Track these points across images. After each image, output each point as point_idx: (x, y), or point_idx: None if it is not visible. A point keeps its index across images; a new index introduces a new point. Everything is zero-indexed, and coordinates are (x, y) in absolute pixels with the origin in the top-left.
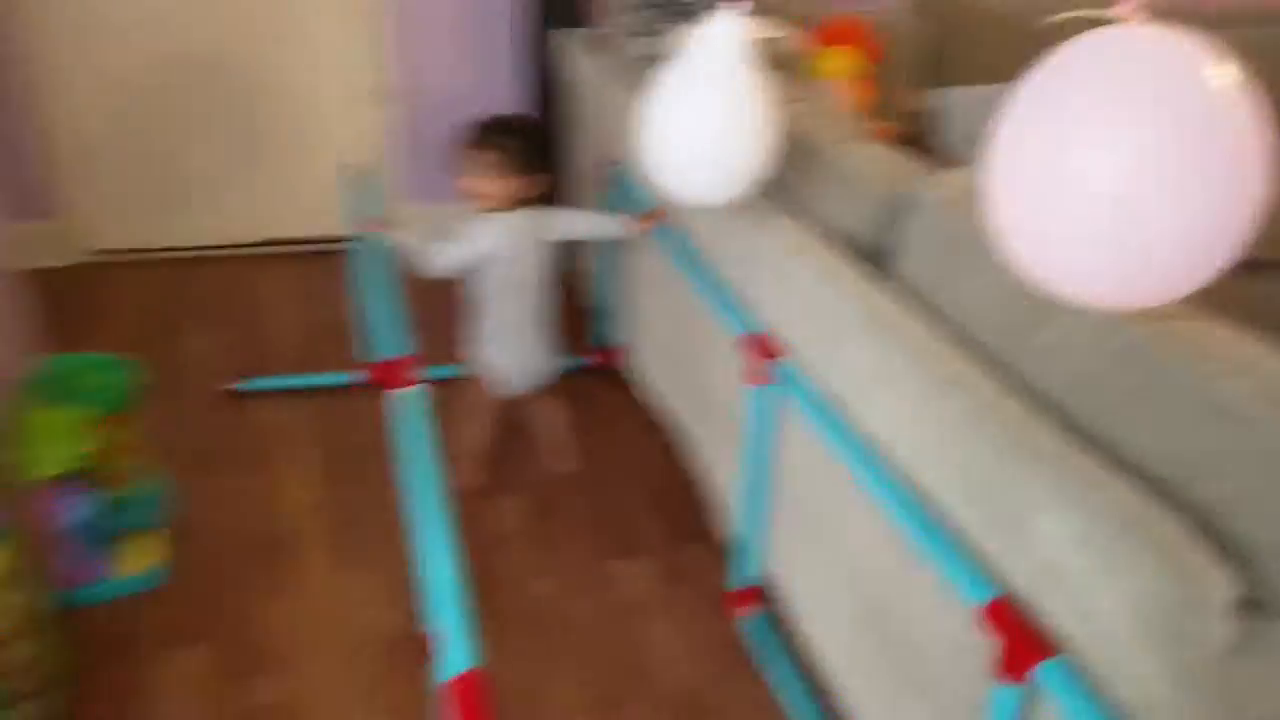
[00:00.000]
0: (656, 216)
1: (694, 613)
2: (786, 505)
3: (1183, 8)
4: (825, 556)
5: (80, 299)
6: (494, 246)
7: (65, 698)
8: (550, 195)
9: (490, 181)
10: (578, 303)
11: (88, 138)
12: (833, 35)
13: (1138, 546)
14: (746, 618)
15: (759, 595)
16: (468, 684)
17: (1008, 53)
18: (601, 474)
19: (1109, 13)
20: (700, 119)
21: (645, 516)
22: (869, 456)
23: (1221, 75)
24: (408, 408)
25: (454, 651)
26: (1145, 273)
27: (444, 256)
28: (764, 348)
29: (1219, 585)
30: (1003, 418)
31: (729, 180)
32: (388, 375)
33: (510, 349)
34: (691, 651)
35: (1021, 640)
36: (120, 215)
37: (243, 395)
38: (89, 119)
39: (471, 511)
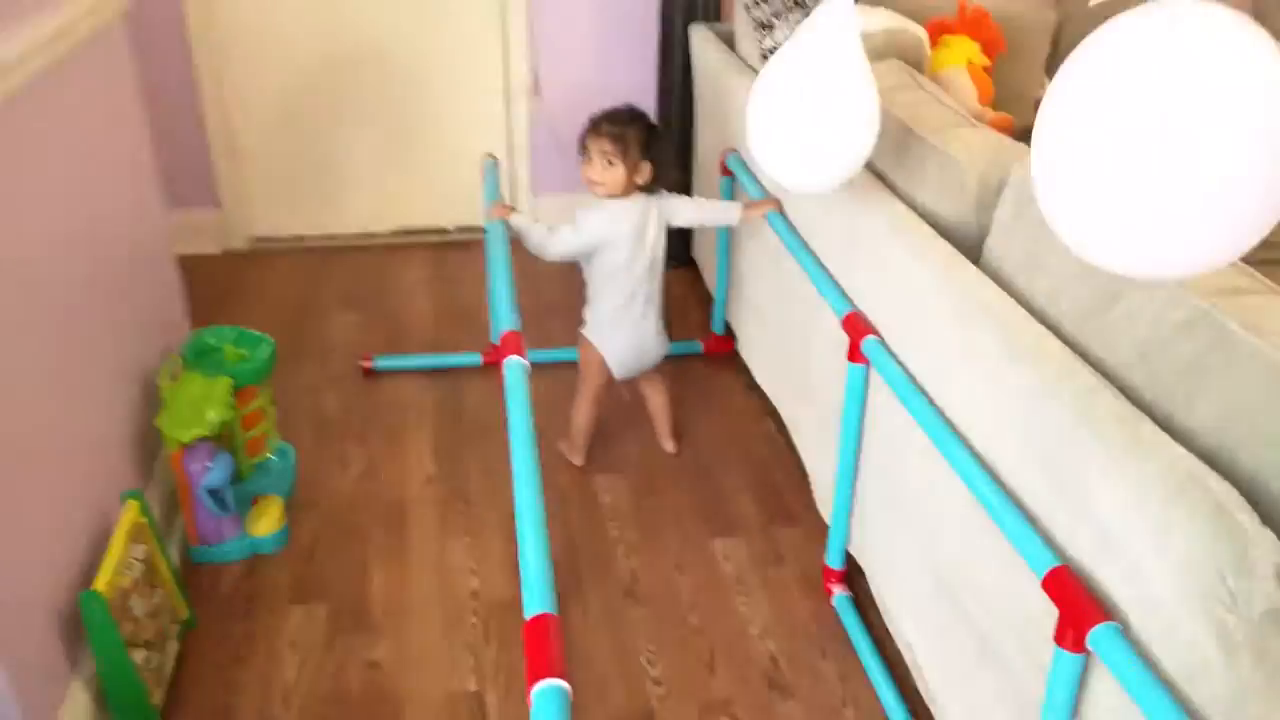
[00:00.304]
0: (768, 203)
1: (788, 591)
2: (875, 482)
3: None
4: (907, 530)
5: (238, 280)
6: (607, 232)
7: (185, 646)
8: (677, 182)
9: (601, 170)
10: (700, 289)
11: (251, 134)
12: (952, 25)
13: (1187, 508)
14: (836, 596)
15: (848, 574)
16: (541, 624)
17: None
18: (707, 454)
19: None
20: (802, 107)
21: (747, 497)
22: (947, 429)
23: (1257, 46)
24: (508, 379)
25: (531, 596)
26: (1176, 242)
27: (559, 242)
28: (859, 325)
29: (1267, 547)
30: (1070, 388)
31: (830, 168)
32: (496, 350)
33: (624, 331)
34: (783, 627)
35: (1078, 607)
36: (278, 206)
37: (375, 372)
38: (253, 117)
39: (579, 486)
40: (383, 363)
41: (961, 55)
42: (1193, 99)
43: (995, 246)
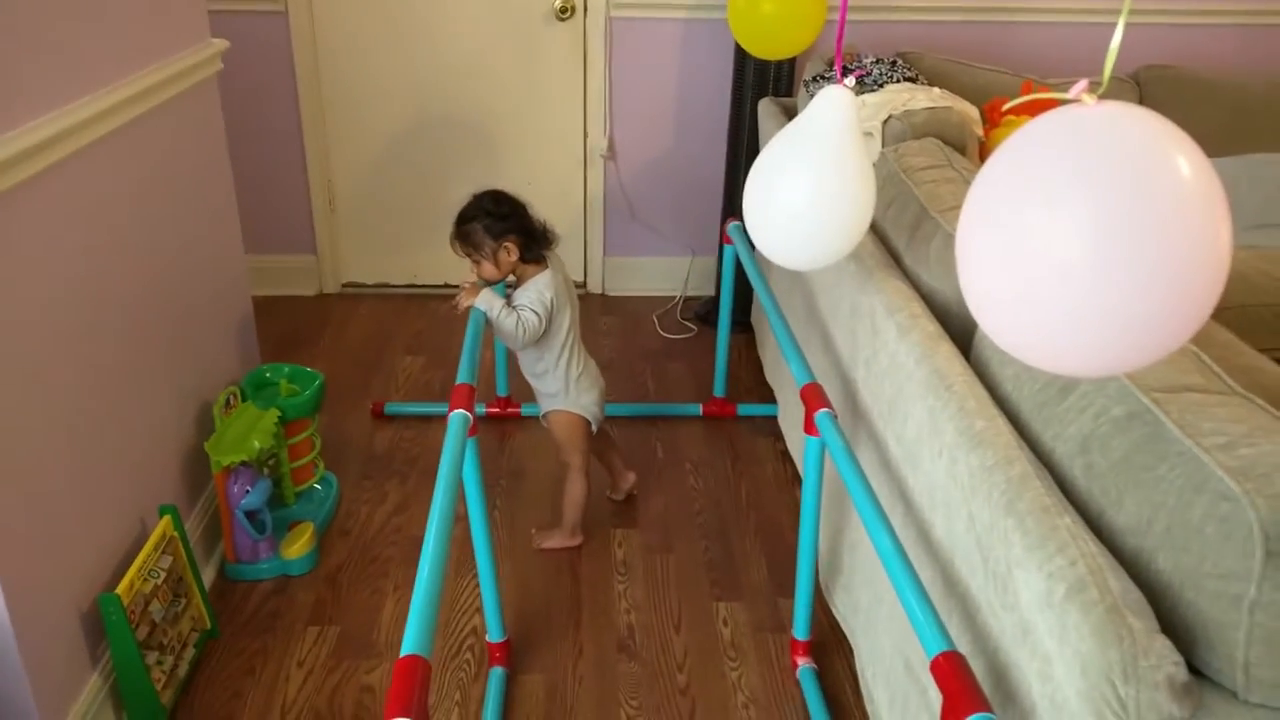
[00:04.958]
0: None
1: (781, 660)
2: (860, 558)
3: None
4: (882, 607)
5: (324, 320)
6: (554, 292)
7: (204, 654)
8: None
9: (482, 266)
10: (753, 354)
11: (347, 189)
12: (1013, 107)
13: (1082, 608)
14: (801, 668)
15: (811, 646)
16: (410, 664)
17: (1217, 126)
18: (728, 517)
19: (1068, 95)
20: (790, 187)
21: (759, 563)
22: (874, 508)
23: (1172, 152)
24: (449, 429)
25: (410, 636)
26: (1086, 346)
27: (527, 322)
28: (815, 398)
29: (1160, 655)
30: (1004, 475)
31: (814, 247)
32: (499, 403)
33: (595, 388)
34: (768, 696)
35: (961, 694)
36: (367, 255)
37: (388, 415)
38: (349, 174)
39: (594, 538)
40: (393, 408)
41: None
42: (1103, 204)
43: (979, 333)
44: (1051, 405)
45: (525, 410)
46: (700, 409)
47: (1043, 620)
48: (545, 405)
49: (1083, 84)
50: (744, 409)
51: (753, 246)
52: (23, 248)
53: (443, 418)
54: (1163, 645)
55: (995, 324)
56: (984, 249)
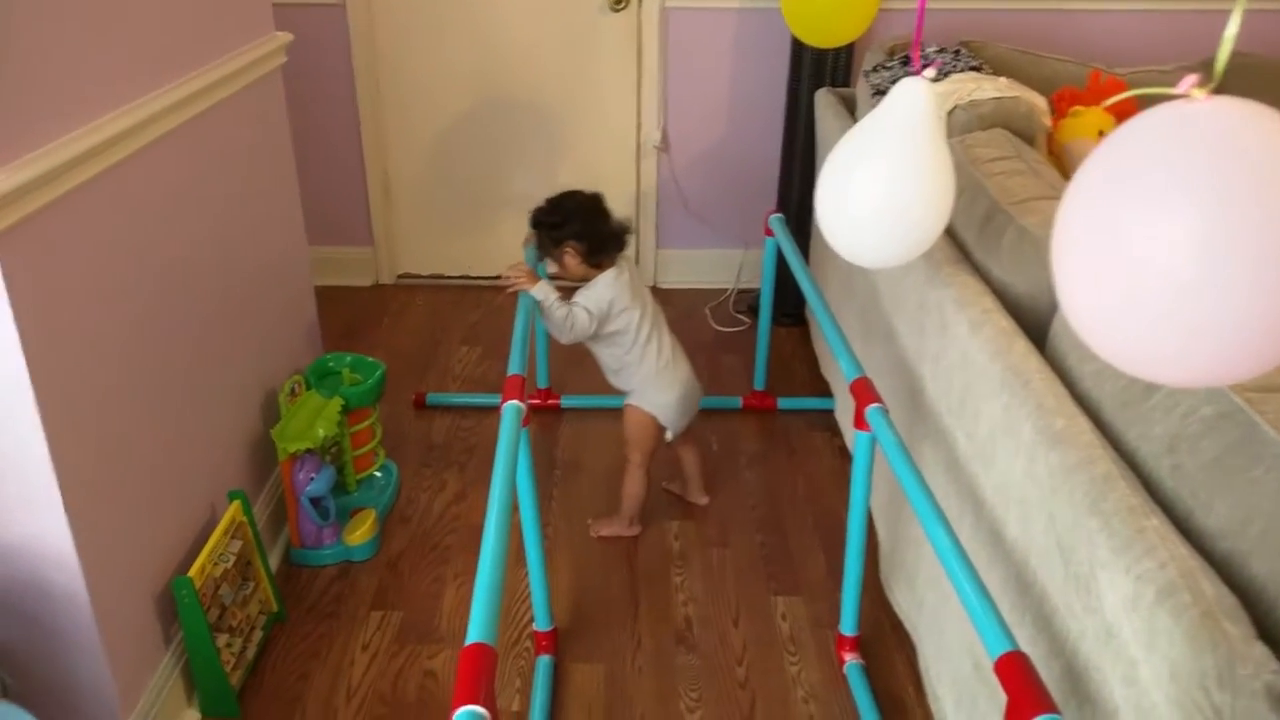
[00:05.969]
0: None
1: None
2: (925, 555)
3: None
4: (950, 607)
5: (380, 311)
6: (614, 295)
7: (272, 636)
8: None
9: (551, 264)
10: (808, 348)
11: (402, 181)
12: (1083, 95)
13: (1173, 613)
14: (849, 664)
15: (860, 642)
16: (476, 652)
17: None
18: (785, 512)
19: (1175, 90)
20: (867, 184)
21: (817, 558)
22: (930, 505)
23: None
24: (503, 421)
25: (475, 625)
26: (1201, 354)
27: (578, 319)
28: (866, 392)
29: (1258, 663)
30: (1088, 475)
31: (890, 245)
32: (541, 394)
33: (675, 389)
34: (828, 691)
35: (1026, 695)
36: (422, 246)
37: (430, 406)
38: (405, 166)
39: (651, 530)
40: (435, 399)
41: (1092, 126)
42: (1216, 206)
43: (1059, 325)
44: (1135, 404)
45: (565, 402)
46: (740, 401)
47: (1129, 624)
48: (626, 399)
49: (1192, 78)
50: (785, 402)
51: (798, 239)
52: (97, 241)
53: (494, 408)
54: (1261, 652)
55: (1100, 337)
56: (1086, 258)
